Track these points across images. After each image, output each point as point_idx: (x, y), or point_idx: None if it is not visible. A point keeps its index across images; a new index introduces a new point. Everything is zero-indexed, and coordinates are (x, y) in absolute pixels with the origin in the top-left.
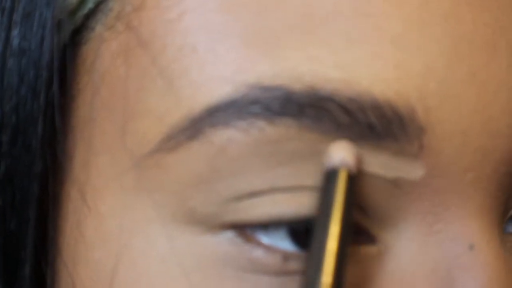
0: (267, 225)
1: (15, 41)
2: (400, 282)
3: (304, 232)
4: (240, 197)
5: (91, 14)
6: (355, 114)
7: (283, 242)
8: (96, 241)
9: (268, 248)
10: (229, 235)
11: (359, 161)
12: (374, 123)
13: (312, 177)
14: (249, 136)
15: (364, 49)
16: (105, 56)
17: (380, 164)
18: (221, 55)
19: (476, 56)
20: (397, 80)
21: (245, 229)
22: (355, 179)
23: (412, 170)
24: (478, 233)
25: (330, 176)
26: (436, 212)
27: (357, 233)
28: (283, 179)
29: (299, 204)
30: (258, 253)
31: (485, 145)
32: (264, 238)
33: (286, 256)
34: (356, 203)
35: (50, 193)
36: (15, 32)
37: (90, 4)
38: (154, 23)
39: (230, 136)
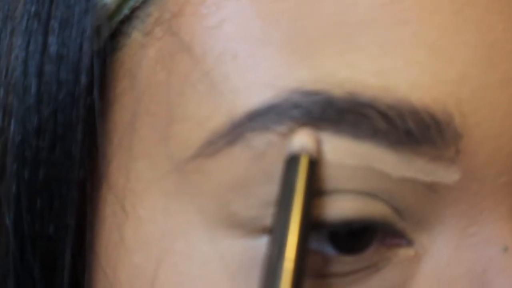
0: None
1: (52, 48)
2: (437, 283)
3: (344, 236)
4: None
5: (126, 20)
6: (394, 121)
7: (322, 246)
8: (135, 245)
9: (308, 252)
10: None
11: (319, 146)
12: (412, 129)
13: (350, 181)
14: (287, 141)
15: (401, 56)
16: (143, 61)
17: (418, 169)
18: (261, 61)
19: (508, 63)
20: (433, 86)
21: None
22: (316, 164)
23: (448, 175)
24: (511, 235)
25: (291, 162)
26: (470, 215)
27: (395, 236)
28: (321, 182)
29: (340, 208)
30: None
31: None
32: None
33: (326, 259)
34: (315, 190)
35: (88, 199)
36: (52, 39)
37: (126, 10)
38: (194, 29)
39: (270, 141)
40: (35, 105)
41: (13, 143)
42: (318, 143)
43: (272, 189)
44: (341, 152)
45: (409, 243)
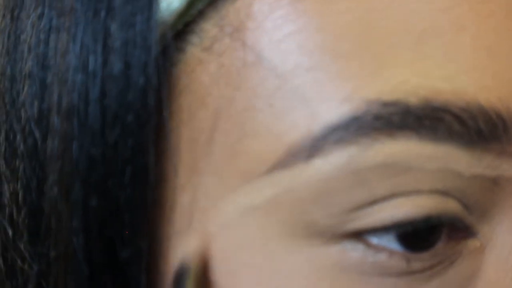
0: (389, 229)
1: (115, 68)
2: (503, 271)
3: (413, 234)
4: (361, 206)
5: (180, 35)
6: (467, 122)
7: (392, 245)
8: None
9: (390, 252)
10: (351, 242)
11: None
12: (482, 128)
13: (427, 183)
14: (370, 151)
15: (464, 60)
16: (203, 77)
17: (486, 165)
18: (335, 74)
19: None
20: (496, 87)
21: (364, 235)
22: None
23: (510, 168)
24: None
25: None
26: None
27: (462, 230)
28: (401, 186)
29: (420, 206)
30: (381, 257)
31: None
32: (374, 240)
33: (408, 258)
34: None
35: (158, 220)
36: (113, 59)
37: (179, 25)
38: (261, 43)
39: (352, 153)
40: (100, 129)
41: (77, 171)
42: (204, 255)
43: (353, 197)
44: (423, 157)
45: (475, 234)
